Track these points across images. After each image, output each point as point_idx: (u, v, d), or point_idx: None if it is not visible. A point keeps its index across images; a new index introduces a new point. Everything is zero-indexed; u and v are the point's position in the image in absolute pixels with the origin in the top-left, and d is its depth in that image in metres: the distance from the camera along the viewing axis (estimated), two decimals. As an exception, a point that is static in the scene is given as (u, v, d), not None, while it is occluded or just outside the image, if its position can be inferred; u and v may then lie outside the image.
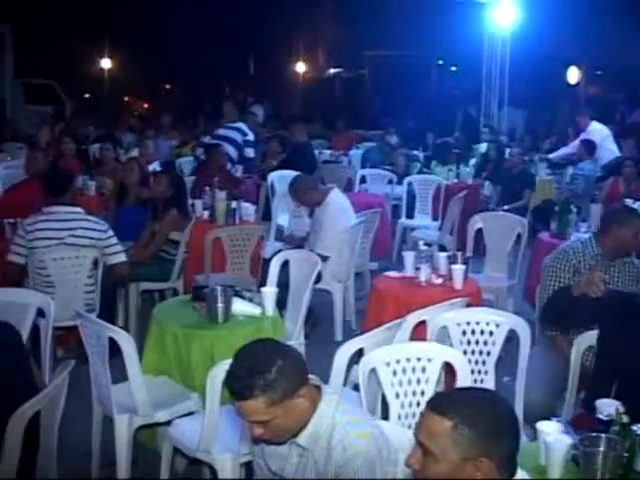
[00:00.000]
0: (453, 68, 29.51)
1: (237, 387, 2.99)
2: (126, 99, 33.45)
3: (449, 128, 18.02)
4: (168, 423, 4.89)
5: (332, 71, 34.95)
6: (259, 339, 3.37)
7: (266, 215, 10.42)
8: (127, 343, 4.74)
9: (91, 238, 6.72)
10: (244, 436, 4.01)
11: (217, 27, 27.14)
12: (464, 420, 2.57)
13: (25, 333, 5.20)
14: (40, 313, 5.41)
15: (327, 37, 31.41)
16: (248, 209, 9.03)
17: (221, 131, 13.10)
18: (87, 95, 31.26)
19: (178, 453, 4.87)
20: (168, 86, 36.76)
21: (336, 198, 8.00)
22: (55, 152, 12.03)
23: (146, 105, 32.72)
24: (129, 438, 4.88)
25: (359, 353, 4.53)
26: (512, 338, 5.04)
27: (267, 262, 7.04)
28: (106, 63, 33.03)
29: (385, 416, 4.38)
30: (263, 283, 6.37)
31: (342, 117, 20.09)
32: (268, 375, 2.96)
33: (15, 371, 4.04)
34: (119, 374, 4.91)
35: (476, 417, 2.59)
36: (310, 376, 3.14)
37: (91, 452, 5.18)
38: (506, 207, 10.75)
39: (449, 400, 2.69)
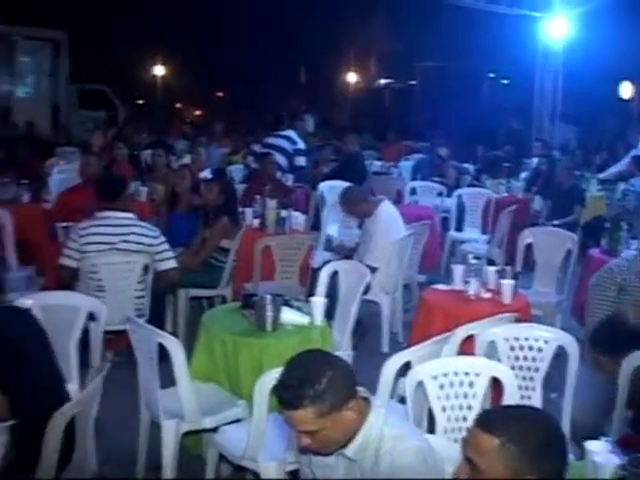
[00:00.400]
0: (505, 81, 29.38)
1: (287, 396, 3.01)
2: (178, 106, 33.70)
3: (499, 141, 17.95)
4: (214, 429, 4.91)
5: (383, 82, 34.95)
6: (310, 350, 3.39)
7: (315, 225, 10.44)
8: (177, 349, 4.77)
9: (142, 244, 6.75)
10: (290, 445, 4.03)
11: (269, 36, 27.28)
12: (512, 438, 2.58)
13: (75, 336, 5.29)
14: (90, 317, 5.48)
15: (378, 48, 31.41)
16: (298, 218, 9.05)
17: (270, 139, 13.15)
18: (140, 101, 31.54)
19: (223, 459, 4.89)
20: (220, 93, 36.97)
21: (386, 210, 8.01)
22: (108, 157, 12.14)
23: (198, 112, 32.95)
24: (176, 443, 4.90)
25: (406, 365, 4.54)
26: (560, 354, 5.02)
27: (316, 272, 7.06)
28: (159, 70, 33.32)
29: (431, 430, 4.38)
30: (311, 292, 6.39)
31: (392, 128, 20.08)
32: (318, 386, 2.97)
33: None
34: (167, 379, 4.95)
35: (524, 435, 2.59)
36: (359, 388, 3.16)
37: (137, 455, 5.23)
38: (556, 222, 10.66)
39: (497, 417, 2.70)
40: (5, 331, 3.98)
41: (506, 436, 2.59)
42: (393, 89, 34.45)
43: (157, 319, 6.67)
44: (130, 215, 6.92)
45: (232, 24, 26.87)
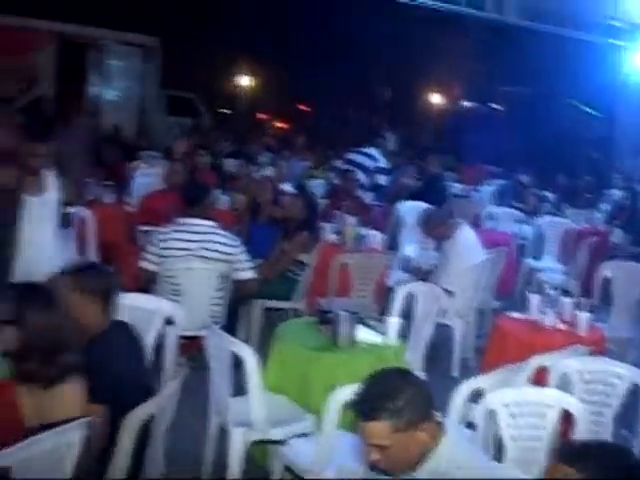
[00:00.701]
0: (587, 109, 29.05)
1: (365, 407, 3.05)
2: (260, 116, 33.93)
3: (579, 170, 17.75)
4: (281, 441, 4.95)
5: (465, 104, 34.82)
6: (393, 367, 3.43)
7: (392, 244, 10.43)
8: (251, 358, 4.83)
9: (222, 252, 6.80)
10: (358, 462, 4.05)
11: (353, 53, 27.38)
12: (593, 473, 2.58)
13: (151, 338, 5.37)
14: (166, 320, 5.56)
15: (463, 70, 31.32)
16: (376, 237, 9.08)
17: (352, 156, 13.22)
18: (224, 110, 31.82)
19: (288, 471, 4.91)
20: (303, 107, 37.13)
21: (465, 234, 8.01)
22: (190, 164, 12.27)
23: (280, 124, 33.15)
24: (242, 452, 4.93)
25: (474, 391, 4.56)
26: (635, 391, 4.98)
27: (391, 291, 7.09)
28: (244, 80, 33.64)
29: (498, 458, 4.37)
30: (386, 312, 6.42)
31: (474, 151, 19.98)
32: (397, 401, 3.01)
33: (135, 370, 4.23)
34: (237, 387, 5.01)
35: (605, 470, 2.59)
36: (434, 412, 3.18)
37: (203, 459, 5.29)
38: (631, 248, 10.52)
39: (578, 452, 2.71)
40: (110, 344, 4.13)
41: (588, 470, 2.59)
42: (476, 112, 34.27)
43: (231, 327, 6.74)
44: (212, 223, 6.97)
45: (317, 40, 27.03)
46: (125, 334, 4.34)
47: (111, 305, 4.31)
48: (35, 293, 3.79)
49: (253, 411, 4.89)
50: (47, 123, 13.11)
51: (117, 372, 3.99)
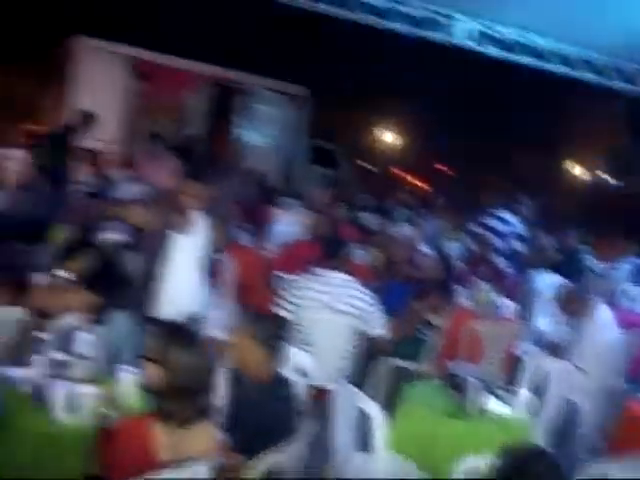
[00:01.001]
0: None
1: None
2: (399, 173, 34.07)
3: None
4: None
5: (608, 179, 34.25)
6: (529, 443, 3.44)
7: (523, 313, 10.30)
8: (378, 416, 4.86)
9: (356, 307, 6.83)
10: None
11: (499, 120, 27.38)
12: None
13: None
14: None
15: (606, 143, 30.87)
16: (509, 307, 9.00)
17: (488, 220, 13.14)
18: (364, 164, 32.05)
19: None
20: (440, 166, 37.16)
21: (601, 313, 7.88)
22: (332, 216, 12.37)
23: (418, 182, 33.21)
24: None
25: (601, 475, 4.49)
26: None
27: (519, 361, 7.03)
28: (387, 136, 33.85)
29: None
30: (513, 381, 6.37)
31: (612, 227, 19.63)
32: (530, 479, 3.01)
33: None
34: (359, 442, 5.04)
35: None
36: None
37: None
38: None
39: None
40: (270, 400, 4.26)
41: None
42: (616, 186, 33.69)
43: (358, 383, 6.74)
44: (348, 277, 7.01)
45: (460, 104, 27.10)
46: (284, 391, 4.45)
47: (277, 356, 4.41)
48: (180, 333, 3.90)
49: (377, 469, 4.91)
50: (200, 163, 13.43)
51: (269, 430, 4.08)
